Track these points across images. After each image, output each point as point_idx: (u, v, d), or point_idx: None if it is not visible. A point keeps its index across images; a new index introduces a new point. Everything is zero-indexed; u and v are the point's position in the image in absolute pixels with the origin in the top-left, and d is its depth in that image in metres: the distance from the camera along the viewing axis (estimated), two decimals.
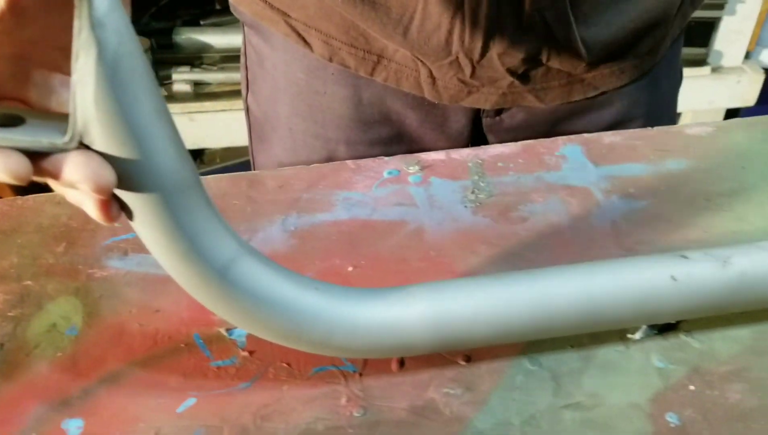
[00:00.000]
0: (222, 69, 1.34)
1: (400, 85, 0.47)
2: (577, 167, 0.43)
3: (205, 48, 1.36)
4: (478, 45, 0.43)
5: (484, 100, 0.46)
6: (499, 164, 0.44)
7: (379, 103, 0.48)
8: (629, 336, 0.33)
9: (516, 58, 0.44)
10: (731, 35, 1.42)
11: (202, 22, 1.39)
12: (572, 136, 0.46)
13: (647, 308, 0.31)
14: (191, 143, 1.26)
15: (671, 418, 0.29)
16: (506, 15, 0.42)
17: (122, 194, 0.24)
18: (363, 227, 0.39)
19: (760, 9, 1.38)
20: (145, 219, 0.25)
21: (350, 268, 0.37)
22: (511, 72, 0.45)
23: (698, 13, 1.38)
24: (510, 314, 0.30)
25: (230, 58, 1.35)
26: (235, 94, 1.33)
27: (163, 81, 1.30)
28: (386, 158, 0.44)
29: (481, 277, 0.32)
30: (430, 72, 0.46)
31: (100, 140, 0.23)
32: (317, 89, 0.49)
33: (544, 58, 0.44)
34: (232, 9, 0.53)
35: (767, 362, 0.32)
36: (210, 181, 0.43)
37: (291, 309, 0.29)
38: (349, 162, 0.44)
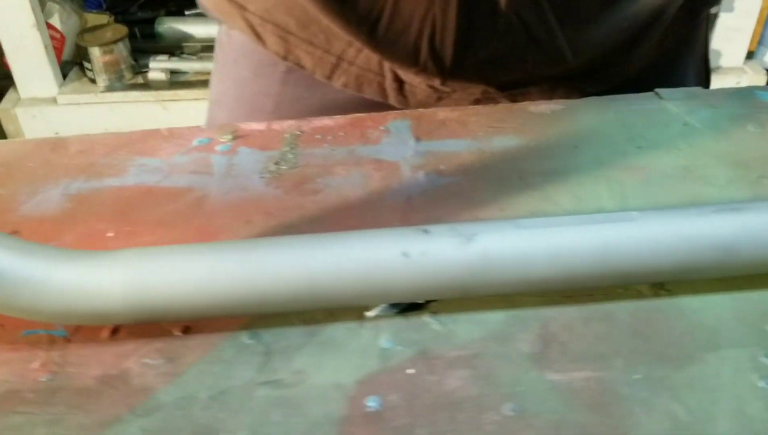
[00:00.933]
0: (201, 58, 1.34)
1: (361, 91, 0.45)
2: (397, 142, 0.40)
3: (186, 38, 1.37)
4: (449, 50, 0.40)
5: (455, 105, 0.43)
6: (317, 136, 0.41)
7: (329, 113, 0.44)
8: (365, 314, 0.30)
9: (492, 64, 0.41)
10: (729, 33, 1.35)
11: (186, 13, 1.40)
12: (406, 111, 0.43)
13: (374, 286, 0.28)
14: None
15: (371, 402, 0.27)
16: (480, 16, 0.39)
17: None
18: (145, 193, 0.37)
19: (761, 6, 1.31)
20: None
21: (110, 234, 0.35)
22: (487, 79, 0.42)
23: None
24: (223, 285, 0.28)
25: (210, 48, 1.35)
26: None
27: (141, 69, 1.32)
28: (202, 126, 0.43)
29: (199, 244, 0.30)
30: (396, 75, 0.43)
31: None
32: (261, 90, 0.47)
33: (523, 64, 0.42)
34: (197, 1, 0.50)
35: (504, 350, 0.28)
36: (16, 144, 0.42)
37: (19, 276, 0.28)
38: (163, 129, 0.42)
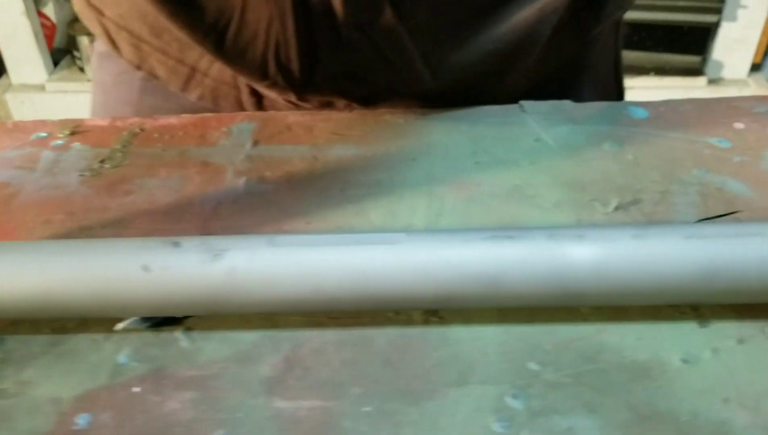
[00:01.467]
0: None
1: (218, 106, 0.43)
2: (234, 145, 0.39)
3: None
4: (296, 63, 0.39)
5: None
6: (155, 135, 0.40)
7: None
8: (115, 326, 0.29)
9: (344, 79, 0.40)
10: (733, 44, 1.30)
11: None
12: (256, 113, 0.42)
13: (112, 298, 0.27)
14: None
15: (81, 420, 0.25)
16: (320, 30, 0.37)
17: None
18: None
19: (766, 16, 1.25)
20: None
21: None
22: (345, 95, 0.41)
23: (690, 17, 1.28)
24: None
25: None
26: None
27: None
28: (49, 121, 0.42)
29: None
30: (253, 89, 0.42)
31: None
32: (122, 97, 0.46)
33: (382, 82, 0.40)
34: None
35: (242, 372, 0.27)
36: None
37: None
38: (9, 122, 0.42)
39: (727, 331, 0.28)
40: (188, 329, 0.29)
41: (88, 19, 0.44)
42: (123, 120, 0.41)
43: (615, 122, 0.40)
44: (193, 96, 0.42)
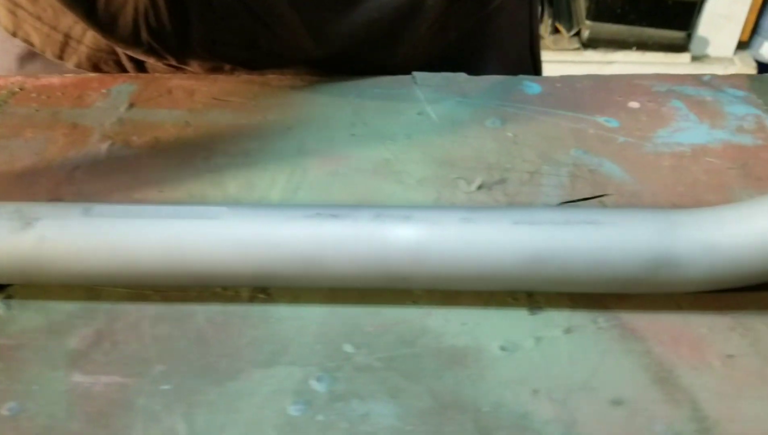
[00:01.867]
0: None
1: (100, 71, 0.42)
2: (108, 107, 0.38)
3: None
4: (169, 28, 0.37)
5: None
6: (33, 95, 0.39)
7: None
8: None
9: (223, 44, 0.38)
10: (719, 20, 1.26)
11: None
12: (140, 75, 0.40)
13: None
14: None
15: None
16: None
17: None
18: None
19: None
20: None
21: None
22: (227, 60, 0.39)
23: None
24: None
25: None
26: None
27: None
28: None
29: None
30: (131, 56, 0.41)
31: None
32: (3, 65, 0.45)
33: (264, 48, 0.39)
34: None
35: (49, 344, 0.26)
36: None
37: None
38: None
39: (556, 320, 0.27)
40: (8, 297, 0.28)
41: None
42: (5, 78, 0.40)
43: (505, 98, 0.38)
44: (70, 64, 0.41)
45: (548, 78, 0.40)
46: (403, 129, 0.36)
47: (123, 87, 0.39)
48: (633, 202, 0.31)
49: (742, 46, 1.31)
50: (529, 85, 0.39)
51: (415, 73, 0.40)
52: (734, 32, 1.27)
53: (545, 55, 1.51)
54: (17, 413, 0.24)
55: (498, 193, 0.32)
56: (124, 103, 0.38)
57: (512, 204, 0.31)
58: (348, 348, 0.26)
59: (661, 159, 0.34)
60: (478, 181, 0.33)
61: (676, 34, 1.28)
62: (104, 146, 0.35)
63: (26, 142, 0.36)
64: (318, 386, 0.25)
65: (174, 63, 0.39)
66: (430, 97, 0.38)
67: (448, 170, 0.33)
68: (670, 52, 1.29)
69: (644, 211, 0.26)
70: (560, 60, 1.40)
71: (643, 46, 1.29)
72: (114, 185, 0.33)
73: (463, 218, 0.26)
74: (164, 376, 0.25)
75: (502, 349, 0.26)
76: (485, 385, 0.25)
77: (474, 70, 0.41)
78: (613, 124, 0.36)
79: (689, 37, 1.28)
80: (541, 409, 0.24)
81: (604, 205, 0.31)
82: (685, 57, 1.30)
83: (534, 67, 0.49)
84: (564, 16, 1.36)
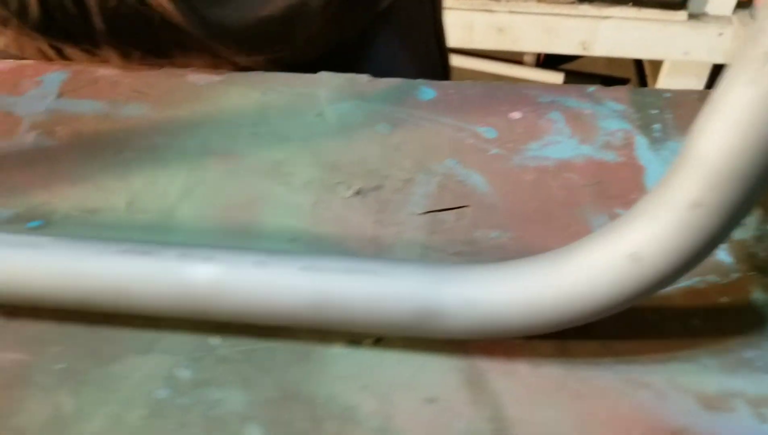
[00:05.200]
0: None
1: (25, 55, 0.44)
2: (39, 96, 0.42)
3: None
4: (79, 19, 0.40)
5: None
6: None
7: None
8: None
9: (125, 36, 0.41)
10: None
11: None
12: (71, 64, 0.44)
13: None
14: None
15: None
16: None
17: None
18: None
19: None
20: None
21: None
22: (135, 46, 0.42)
23: None
24: None
25: None
26: None
27: None
28: None
29: None
30: (49, 42, 0.43)
31: None
32: None
33: (162, 36, 0.41)
34: None
35: None
36: None
37: None
38: None
39: None
40: None
41: None
42: None
43: (400, 102, 0.42)
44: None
45: (443, 83, 0.43)
46: (301, 130, 0.40)
47: (55, 75, 0.43)
48: (488, 216, 0.36)
49: (743, 5, 1.31)
50: (425, 90, 0.43)
51: (321, 73, 0.43)
52: None
53: (539, 8, 1.51)
54: None
55: (372, 199, 0.36)
56: (54, 93, 0.42)
57: (381, 211, 0.36)
58: (214, 341, 0.31)
59: (524, 173, 0.38)
60: (355, 187, 0.37)
61: None
62: (30, 136, 0.39)
63: None
64: (184, 373, 0.30)
65: (89, 48, 0.42)
66: (330, 98, 0.42)
67: (332, 175, 0.38)
68: (667, 9, 1.30)
69: (419, 264, 0.29)
70: (555, 13, 1.40)
71: (640, 2, 1.29)
72: (34, 177, 0.37)
73: (257, 262, 0.29)
74: (62, 357, 0.30)
75: (344, 347, 0.31)
76: (324, 380, 0.30)
77: (380, 64, 0.44)
78: (491, 134, 0.40)
79: None
80: (366, 403, 0.29)
81: (463, 217, 0.36)
82: (682, 15, 1.31)
83: (441, 60, 0.52)
84: None
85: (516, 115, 0.41)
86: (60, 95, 0.41)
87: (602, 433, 0.28)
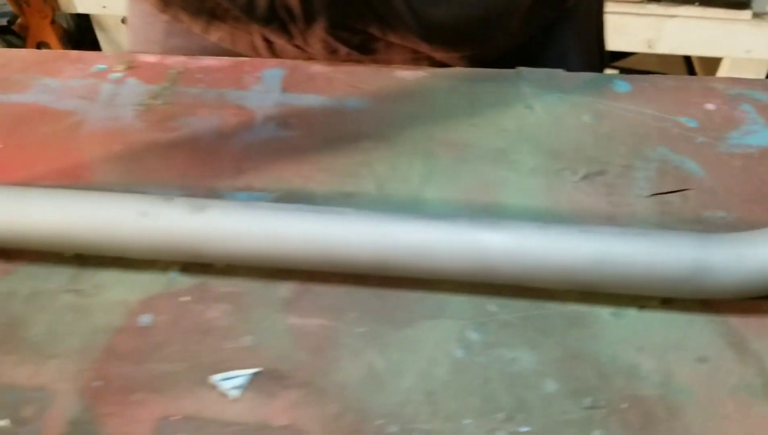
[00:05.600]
0: None
1: (235, 47, 0.49)
2: (264, 91, 0.45)
3: None
4: (298, 13, 0.44)
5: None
6: (198, 75, 0.46)
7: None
8: None
9: (345, 30, 0.44)
10: None
11: None
12: (285, 61, 0.47)
13: (115, 244, 0.34)
14: None
15: (144, 319, 0.33)
16: None
17: None
18: (37, 112, 0.43)
19: None
20: None
21: (0, 146, 0.41)
22: (346, 43, 0.46)
23: None
24: (40, 225, 0.34)
25: None
26: None
27: None
28: (107, 54, 0.48)
29: (36, 189, 0.35)
30: (264, 35, 0.47)
31: None
32: (149, 38, 0.51)
33: (377, 33, 0.45)
34: None
35: (266, 293, 0.35)
36: None
37: None
38: (73, 52, 0.48)
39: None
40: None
41: None
42: (171, 58, 0.47)
43: (599, 94, 0.45)
44: (214, 38, 0.47)
45: (635, 77, 0.46)
46: (514, 121, 0.43)
47: (273, 72, 0.46)
48: (710, 198, 0.39)
49: None
50: (619, 83, 0.46)
51: (520, 69, 0.46)
52: None
53: (608, 7, 1.52)
54: (255, 345, 0.33)
55: (598, 183, 0.40)
56: (277, 88, 0.45)
57: (610, 194, 0.39)
58: (492, 307, 0.34)
59: (732, 159, 0.41)
60: (581, 173, 0.40)
61: None
62: (269, 127, 0.43)
63: (203, 120, 0.43)
64: (474, 336, 0.33)
65: (300, 44, 0.46)
66: (534, 92, 0.45)
67: (555, 161, 0.41)
68: (732, 9, 1.32)
69: (682, 232, 0.33)
70: (622, 12, 1.43)
71: (706, 1, 1.32)
72: (285, 164, 0.41)
73: (539, 227, 0.33)
74: (358, 322, 0.33)
75: (613, 314, 0.34)
76: (601, 343, 0.33)
77: (553, 59, 0.47)
78: (693, 124, 0.43)
79: None
80: (645, 362, 0.32)
81: (687, 199, 0.39)
82: (746, 14, 1.33)
83: (600, 56, 0.55)
84: None
85: (710, 106, 0.44)
86: (284, 90, 0.45)
87: None
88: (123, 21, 1.63)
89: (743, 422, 0.30)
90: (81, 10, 1.54)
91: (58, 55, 0.48)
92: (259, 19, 0.44)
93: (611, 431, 0.30)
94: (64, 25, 1.65)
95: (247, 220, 0.33)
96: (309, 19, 0.44)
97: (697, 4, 1.38)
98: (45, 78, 0.46)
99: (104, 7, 1.53)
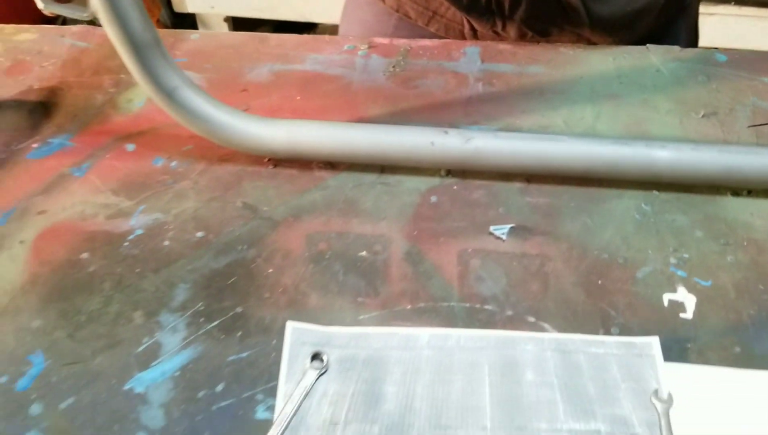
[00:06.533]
0: None
1: (447, 35, 0.68)
2: (469, 61, 0.64)
3: None
4: (506, 10, 0.63)
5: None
6: (420, 52, 0.65)
7: None
8: None
9: (536, 20, 0.64)
10: None
11: None
12: (479, 42, 0.67)
13: (412, 159, 0.53)
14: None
15: (433, 198, 0.53)
16: None
17: (117, 47, 0.49)
18: (316, 76, 0.63)
19: None
20: (128, 62, 0.50)
21: (298, 98, 0.61)
22: (533, 29, 0.65)
23: None
24: (329, 145, 0.54)
25: None
26: None
27: None
28: (351, 36, 0.67)
29: (323, 122, 0.55)
30: (472, 26, 0.67)
31: (102, 17, 0.47)
32: (379, 32, 0.71)
33: (558, 23, 0.64)
34: None
35: (505, 186, 0.54)
36: (237, 36, 0.68)
37: (209, 120, 0.53)
38: (325, 36, 0.68)
39: None
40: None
41: None
42: (397, 41, 0.67)
43: (706, 62, 0.64)
44: (432, 29, 0.67)
45: (729, 50, 0.65)
46: (650, 79, 0.62)
47: (472, 49, 0.66)
48: None
49: None
50: (719, 55, 0.64)
51: (649, 45, 0.65)
52: None
53: None
54: (506, 213, 0.52)
55: (713, 120, 0.58)
56: (478, 60, 0.64)
57: (722, 126, 0.58)
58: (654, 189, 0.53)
59: None
60: (701, 113, 0.59)
61: None
62: (478, 86, 0.62)
63: (432, 81, 0.62)
64: (646, 208, 0.52)
65: (498, 30, 0.65)
66: (660, 60, 0.64)
67: (681, 106, 0.60)
68: (765, 8, 1.50)
69: None
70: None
71: (741, 1, 1.50)
72: (494, 110, 0.60)
73: (693, 147, 0.52)
74: (572, 199, 0.52)
75: None
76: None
77: (672, 37, 0.66)
78: None
79: None
80: None
81: None
82: None
83: (696, 38, 0.74)
84: None
85: None
86: (482, 61, 0.64)
87: None
88: (225, 20, 1.85)
89: None
90: (192, 9, 1.76)
91: (316, 39, 0.68)
92: (477, 12, 0.64)
93: (738, 257, 0.48)
94: (166, 23, 1.87)
95: (499, 143, 0.53)
96: (512, 12, 0.63)
97: (732, 3, 1.56)
98: (313, 54, 0.66)
99: (212, 7, 1.74)
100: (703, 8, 1.65)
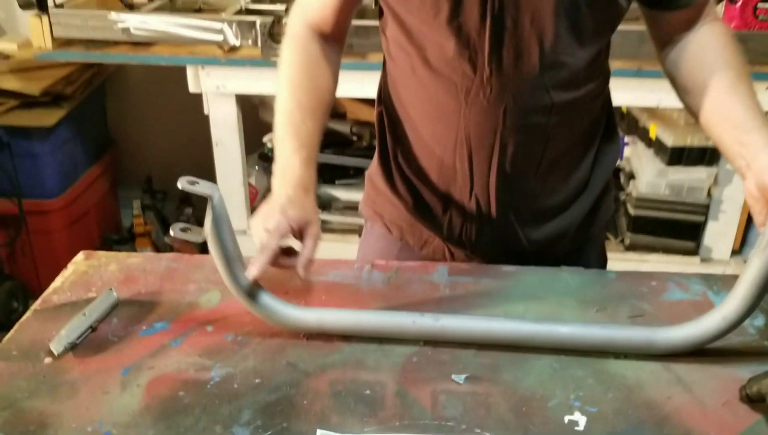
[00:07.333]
0: (343, 213, 1.98)
1: (434, 257, 1.01)
2: (440, 275, 0.94)
3: (334, 199, 2.02)
4: (476, 242, 0.96)
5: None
6: (407, 269, 0.95)
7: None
8: None
9: (488, 248, 0.97)
10: (717, 234, 1.83)
11: (336, 182, 2.06)
12: (446, 262, 0.97)
13: (400, 333, 0.81)
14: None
15: (414, 359, 0.78)
16: (486, 225, 0.95)
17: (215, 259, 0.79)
18: (335, 284, 0.92)
19: (739, 218, 1.79)
20: (220, 268, 0.80)
21: (323, 296, 0.89)
22: (486, 256, 0.97)
23: (684, 216, 1.83)
24: (352, 324, 0.81)
25: (348, 207, 1.99)
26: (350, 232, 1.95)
27: None
28: (361, 260, 0.98)
29: (346, 310, 0.84)
30: (450, 250, 0.99)
31: (209, 240, 0.78)
32: (387, 255, 1.03)
33: (505, 249, 0.97)
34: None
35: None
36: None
37: (269, 308, 0.82)
38: (342, 259, 0.98)
39: None
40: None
41: (371, 217, 1.02)
42: (391, 263, 0.97)
43: (602, 278, 0.93)
44: (423, 253, 0.99)
45: (620, 272, 0.95)
46: (563, 288, 0.91)
47: (442, 268, 0.96)
48: None
49: (735, 253, 1.87)
50: (610, 275, 0.94)
51: (563, 267, 0.95)
52: (729, 243, 1.83)
53: None
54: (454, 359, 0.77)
55: (604, 314, 0.86)
56: (446, 275, 0.94)
57: (613, 318, 0.85)
58: None
59: None
60: (596, 308, 0.87)
61: (689, 244, 1.85)
62: (446, 290, 0.91)
63: (414, 287, 0.91)
64: None
65: (469, 254, 0.96)
66: (570, 276, 0.93)
67: (583, 304, 0.88)
68: (685, 256, 1.86)
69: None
70: (609, 258, 1.96)
71: (665, 250, 1.86)
72: (457, 306, 0.88)
73: (570, 326, 0.80)
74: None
75: None
76: None
77: (583, 260, 0.97)
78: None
79: (698, 246, 1.85)
80: None
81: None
82: (695, 260, 1.86)
83: (603, 260, 1.05)
84: (611, 229, 1.95)
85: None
86: (449, 275, 0.94)
87: None
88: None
89: None
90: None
91: (336, 261, 0.98)
92: (460, 244, 0.95)
93: (615, 394, 0.73)
94: None
95: (459, 323, 0.80)
96: (480, 242, 0.95)
97: (660, 252, 1.91)
98: (333, 270, 0.95)
99: None
100: (638, 257, 2.03)
